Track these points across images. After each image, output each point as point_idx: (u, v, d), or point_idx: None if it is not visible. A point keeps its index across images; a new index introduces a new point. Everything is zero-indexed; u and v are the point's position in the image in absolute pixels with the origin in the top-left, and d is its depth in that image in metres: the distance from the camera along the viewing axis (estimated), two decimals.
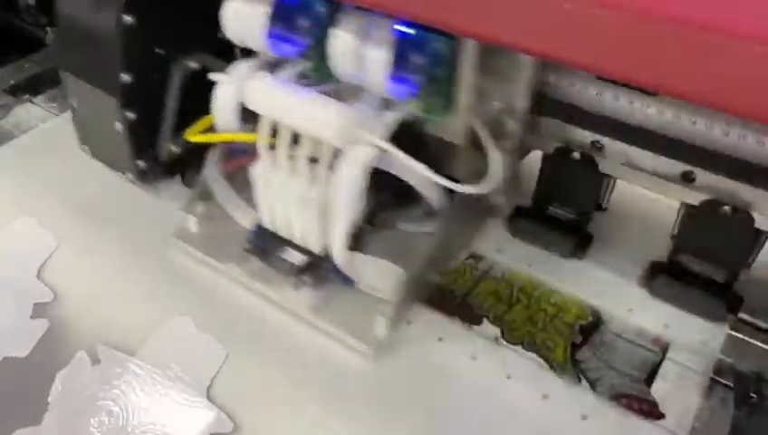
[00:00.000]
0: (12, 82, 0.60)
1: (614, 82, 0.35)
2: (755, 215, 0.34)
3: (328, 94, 0.34)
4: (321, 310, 0.36)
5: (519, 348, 0.35)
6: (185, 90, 0.42)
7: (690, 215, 0.37)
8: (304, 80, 0.36)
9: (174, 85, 0.42)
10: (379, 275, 0.37)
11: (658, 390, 0.33)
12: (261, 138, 0.35)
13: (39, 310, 0.38)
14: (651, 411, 0.32)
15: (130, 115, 0.42)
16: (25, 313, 0.37)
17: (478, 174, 0.36)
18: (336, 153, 0.33)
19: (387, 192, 0.38)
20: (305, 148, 0.34)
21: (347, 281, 0.37)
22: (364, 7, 0.32)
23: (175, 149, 0.44)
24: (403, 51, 0.32)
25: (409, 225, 0.41)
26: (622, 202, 0.42)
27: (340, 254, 0.35)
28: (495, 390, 0.34)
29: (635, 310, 0.38)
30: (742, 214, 0.34)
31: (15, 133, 0.54)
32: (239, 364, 0.35)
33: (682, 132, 0.34)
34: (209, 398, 0.33)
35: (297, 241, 0.37)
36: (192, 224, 0.42)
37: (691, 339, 0.36)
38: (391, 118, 0.34)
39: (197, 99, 0.37)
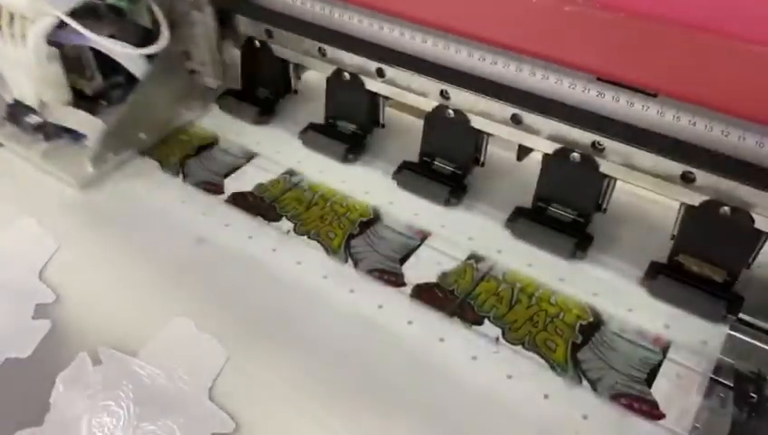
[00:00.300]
0: None
1: (614, 83, 0.35)
2: (755, 215, 0.34)
3: None
4: (50, 157, 0.49)
5: (520, 348, 0.36)
6: None
7: (690, 215, 0.37)
8: None
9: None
10: (83, 124, 0.48)
11: (659, 389, 0.33)
12: None
13: (40, 311, 0.38)
14: (651, 412, 0.32)
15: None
16: (27, 313, 0.38)
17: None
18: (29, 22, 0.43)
19: (120, 75, 0.50)
20: (6, 18, 0.43)
21: (75, 137, 0.49)
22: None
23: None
24: None
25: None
26: (622, 203, 0.42)
27: (34, 103, 0.47)
28: (496, 389, 0.34)
29: (635, 310, 0.38)
30: (741, 214, 0.34)
31: None
32: (241, 364, 0.35)
33: (682, 133, 0.35)
34: (211, 398, 0.33)
35: (24, 101, 0.48)
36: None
37: (691, 339, 0.36)
38: None
39: None
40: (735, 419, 0.32)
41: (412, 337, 0.37)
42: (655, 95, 0.34)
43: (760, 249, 0.36)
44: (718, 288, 0.37)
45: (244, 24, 0.51)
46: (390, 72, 0.45)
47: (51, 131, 0.49)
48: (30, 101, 0.48)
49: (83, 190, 0.47)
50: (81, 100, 0.50)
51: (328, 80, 0.49)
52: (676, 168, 0.36)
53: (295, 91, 0.54)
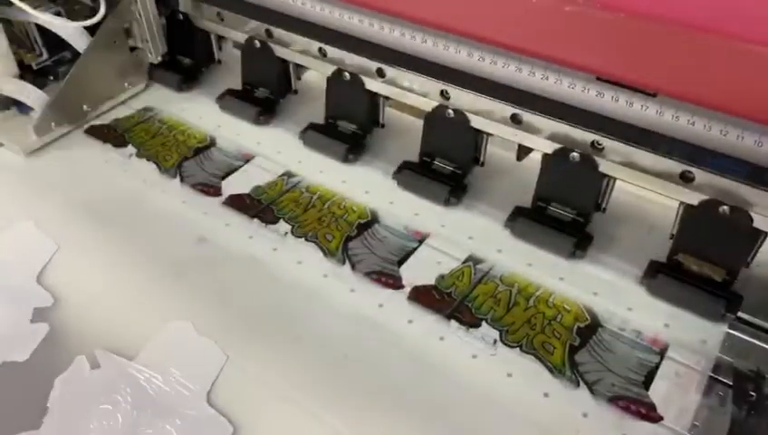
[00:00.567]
0: None
1: (613, 83, 0.35)
2: (754, 214, 0.34)
3: None
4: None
5: (517, 350, 0.36)
6: None
7: (689, 214, 0.37)
8: None
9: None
10: (24, 94, 0.50)
11: (658, 388, 0.33)
12: None
13: (39, 314, 0.38)
14: (649, 414, 0.32)
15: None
16: (25, 317, 0.37)
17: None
18: None
19: (67, 51, 0.53)
20: None
21: (23, 109, 0.52)
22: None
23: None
24: None
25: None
26: (621, 202, 0.42)
27: None
28: (496, 388, 0.34)
29: (634, 309, 0.38)
30: (740, 213, 0.35)
31: None
32: (240, 366, 0.35)
33: (680, 132, 0.35)
34: (209, 402, 0.33)
35: None
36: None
37: (690, 338, 0.36)
38: None
39: None
40: (735, 417, 0.32)
41: (412, 336, 0.37)
42: (654, 95, 0.34)
43: (759, 248, 0.36)
44: (717, 287, 0.37)
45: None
46: (390, 71, 0.45)
47: (1, 102, 0.51)
48: None
49: (28, 157, 0.50)
50: (29, 74, 0.53)
51: (328, 80, 0.49)
52: (676, 167, 0.36)
53: (295, 91, 0.54)
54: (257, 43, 0.51)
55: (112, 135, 0.53)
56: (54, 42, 0.52)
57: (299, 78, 0.54)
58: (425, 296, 0.39)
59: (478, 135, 0.44)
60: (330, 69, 0.48)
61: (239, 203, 0.46)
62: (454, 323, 0.37)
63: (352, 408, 0.33)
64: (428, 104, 0.44)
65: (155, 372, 0.34)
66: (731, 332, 0.36)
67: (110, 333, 0.37)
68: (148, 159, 0.50)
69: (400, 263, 0.41)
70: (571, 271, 0.40)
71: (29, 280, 0.40)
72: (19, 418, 0.32)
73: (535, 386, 0.34)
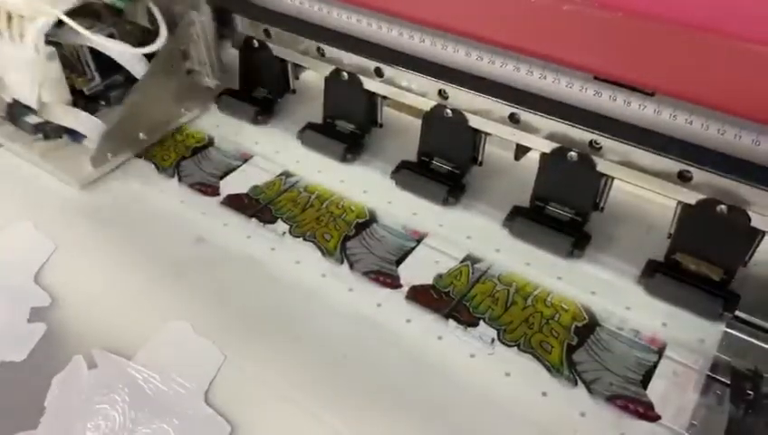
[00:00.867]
0: None
1: (611, 82, 0.35)
2: (751, 213, 0.34)
3: None
4: (49, 156, 0.48)
5: (515, 349, 0.36)
6: None
7: (687, 214, 0.37)
8: None
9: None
10: (83, 124, 0.48)
11: (656, 387, 0.33)
12: None
13: (36, 314, 0.38)
14: (647, 413, 0.32)
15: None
16: (22, 317, 0.37)
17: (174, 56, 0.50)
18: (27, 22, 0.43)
19: (118, 75, 0.51)
20: (3, 19, 0.43)
21: (75, 137, 0.49)
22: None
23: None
24: None
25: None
26: (619, 202, 0.43)
27: (34, 104, 0.47)
28: (494, 387, 0.34)
29: (632, 308, 0.38)
30: (738, 213, 0.35)
31: None
32: (238, 366, 0.35)
33: (678, 131, 0.35)
34: (207, 401, 0.33)
35: (23, 102, 0.48)
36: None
37: (688, 337, 0.36)
38: None
39: None
40: (732, 416, 0.32)
41: (411, 336, 0.37)
42: (652, 94, 0.34)
43: (756, 247, 0.36)
44: (715, 286, 0.37)
45: (243, 24, 0.51)
46: (389, 71, 0.45)
47: (50, 131, 0.49)
48: (29, 100, 0.48)
49: (82, 190, 0.47)
50: (81, 99, 0.50)
51: (326, 79, 0.49)
52: (673, 166, 0.36)
53: (293, 91, 0.54)
54: (255, 43, 0.51)
55: None
56: (107, 65, 0.49)
57: (297, 77, 0.54)
58: (423, 296, 0.39)
59: (476, 134, 0.44)
60: (328, 69, 0.48)
61: (237, 203, 0.46)
62: (452, 322, 0.37)
63: (351, 407, 0.33)
64: (427, 104, 0.44)
65: (153, 372, 0.34)
66: (729, 331, 0.36)
67: (107, 333, 0.37)
68: (145, 159, 0.50)
69: (398, 262, 0.41)
70: (569, 270, 0.40)
71: (27, 280, 0.40)
72: (16, 418, 0.32)
73: (533, 385, 0.34)
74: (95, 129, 0.48)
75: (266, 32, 0.50)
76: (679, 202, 0.37)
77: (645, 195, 0.40)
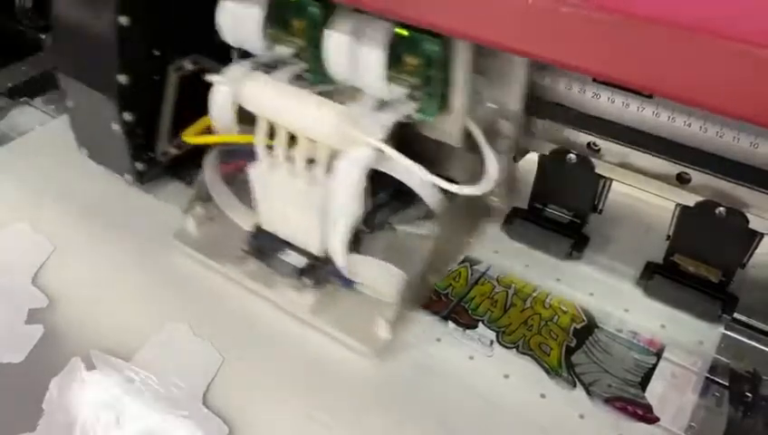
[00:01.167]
0: (9, 84, 0.60)
1: (610, 84, 0.35)
2: (750, 215, 0.34)
3: (324, 95, 0.34)
4: (321, 311, 0.37)
5: (514, 351, 0.36)
6: (181, 91, 0.42)
7: (685, 216, 0.37)
8: (300, 81, 0.36)
9: (170, 86, 0.42)
10: (379, 277, 0.37)
11: (654, 389, 0.33)
12: (258, 139, 0.35)
13: (34, 316, 0.38)
14: (645, 416, 0.32)
15: (128, 117, 0.42)
16: (20, 318, 0.37)
17: (475, 175, 0.36)
18: (333, 154, 0.33)
19: (383, 193, 0.39)
20: (302, 149, 0.34)
21: (347, 283, 0.37)
22: (359, 8, 0.32)
23: (173, 150, 0.45)
24: (397, 51, 0.32)
25: (406, 226, 0.41)
26: (618, 204, 0.43)
27: (339, 256, 0.36)
28: (493, 389, 0.34)
29: (631, 310, 0.38)
30: (736, 215, 0.35)
31: (12, 136, 0.53)
32: (236, 369, 0.35)
33: (677, 134, 0.35)
34: (205, 404, 0.33)
35: (297, 243, 0.38)
36: (191, 225, 0.42)
37: (687, 339, 0.36)
38: (387, 119, 0.33)
39: (195, 100, 0.37)
40: (731, 417, 0.32)
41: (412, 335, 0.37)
42: (650, 96, 0.34)
43: (755, 250, 0.36)
44: (713, 288, 0.37)
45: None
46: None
47: (321, 276, 0.37)
48: (314, 247, 0.37)
49: (376, 361, 0.35)
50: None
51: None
52: (672, 168, 0.36)
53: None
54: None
55: None
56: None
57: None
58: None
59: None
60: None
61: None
62: (451, 324, 0.37)
63: (348, 409, 0.33)
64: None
65: (151, 374, 0.34)
66: (727, 333, 0.36)
67: (105, 335, 0.36)
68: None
69: None
70: (568, 272, 0.40)
71: (24, 281, 0.40)
72: (14, 420, 0.32)
73: (532, 387, 0.34)
74: (395, 279, 0.36)
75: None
76: (678, 204, 0.37)
77: (643, 197, 0.40)
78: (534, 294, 0.39)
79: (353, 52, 0.33)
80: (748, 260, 0.37)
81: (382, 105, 0.34)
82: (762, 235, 0.35)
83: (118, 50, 0.40)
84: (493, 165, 0.35)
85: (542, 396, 0.33)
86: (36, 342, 0.36)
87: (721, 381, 0.34)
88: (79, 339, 0.36)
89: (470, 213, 0.42)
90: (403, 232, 0.41)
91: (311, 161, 0.34)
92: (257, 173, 0.37)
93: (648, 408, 0.33)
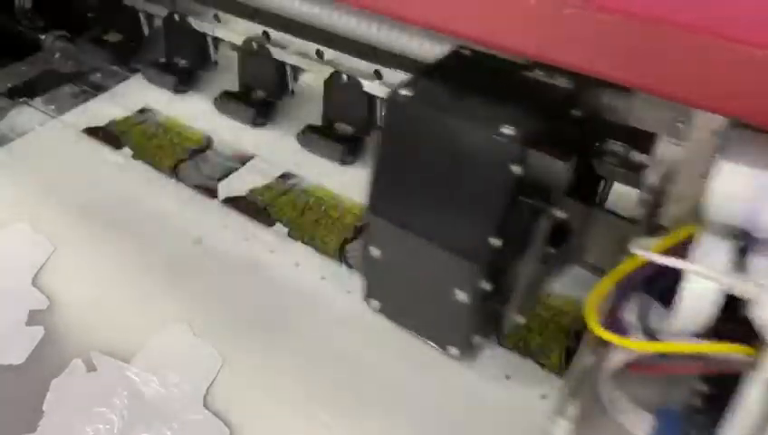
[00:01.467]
0: (9, 84, 0.60)
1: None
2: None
3: None
4: None
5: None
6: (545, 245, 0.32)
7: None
8: None
9: (537, 241, 0.31)
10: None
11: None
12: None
13: (34, 317, 0.38)
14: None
15: (485, 285, 0.31)
16: (21, 320, 0.37)
17: None
18: None
19: None
20: None
21: None
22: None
23: (520, 319, 0.34)
24: None
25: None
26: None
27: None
28: (495, 389, 0.34)
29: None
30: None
31: (11, 136, 0.53)
32: (237, 371, 0.35)
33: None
34: (206, 404, 0.33)
35: None
36: (563, 431, 0.30)
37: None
38: None
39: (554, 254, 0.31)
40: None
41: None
42: None
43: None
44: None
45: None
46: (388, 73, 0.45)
47: None
48: None
49: None
50: None
51: (325, 82, 0.48)
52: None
53: (292, 93, 0.54)
54: (254, 46, 0.51)
55: (108, 137, 0.52)
56: None
57: (296, 80, 0.54)
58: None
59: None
60: (327, 71, 0.48)
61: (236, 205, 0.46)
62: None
63: (349, 410, 0.33)
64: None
65: (151, 375, 0.34)
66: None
67: (106, 336, 0.36)
68: (144, 162, 0.50)
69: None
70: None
71: (25, 282, 0.40)
72: (14, 421, 0.32)
73: (532, 386, 0.34)
74: None
75: (266, 34, 0.50)
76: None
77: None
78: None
79: None
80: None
81: None
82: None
83: (504, 207, 0.29)
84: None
85: (545, 392, 0.34)
86: (37, 343, 0.36)
87: None
88: (79, 340, 0.36)
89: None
90: None
91: None
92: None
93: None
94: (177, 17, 0.56)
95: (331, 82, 0.48)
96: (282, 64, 0.51)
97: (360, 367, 0.35)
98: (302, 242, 0.43)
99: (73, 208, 0.46)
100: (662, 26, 0.30)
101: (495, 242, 0.30)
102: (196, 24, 0.55)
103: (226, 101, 0.54)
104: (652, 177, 0.32)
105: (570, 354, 0.35)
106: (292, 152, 0.50)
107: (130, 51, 0.62)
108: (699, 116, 0.29)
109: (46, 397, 0.33)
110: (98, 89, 0.59)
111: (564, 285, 0.39)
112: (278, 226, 0.44)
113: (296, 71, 0.52)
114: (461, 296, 0.32)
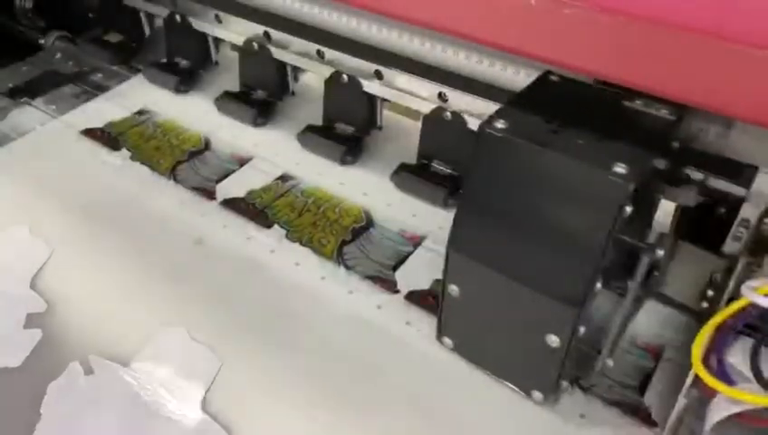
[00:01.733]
0: (10, 84, 0.60)
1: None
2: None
3: None
4: None
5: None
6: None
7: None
8: None
9: (636, 281, 0.30)
10: None
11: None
12: None
13: (32, 320, 0.37)
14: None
15: (581, 330, 0.30)
16: (18, 323, 0.37)
17: None
18: None
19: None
20: None
21: None
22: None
23: (610, 363, 0.33)
24: None
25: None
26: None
27: None
28: (495, 389, 0.34)
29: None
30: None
31: (12, 136, 0.53)
32: (235, 374, 0.35)
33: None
34: (204, 408, 0.33)
35: None
36: None
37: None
38: None
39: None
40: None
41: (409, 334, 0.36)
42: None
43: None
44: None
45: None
46: (388, 74, 0.44)
47: None
48: None
49: None
50: None
51: (326, 82, 0.48)
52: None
53: (293, 93, 0.53)
54: (255, 46, 0.51)
55: (106, 138, 0.52)
56: None
57: (296, 80, 0.53)
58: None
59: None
60: (327, 71, 0.48)
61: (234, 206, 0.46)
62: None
63: (349, 412, 0.33)
64: (427, 106, 0.44)
65: (149, 378, 0.34)
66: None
67: (103, 339, 0.36)
68: (142, 163, 0.50)
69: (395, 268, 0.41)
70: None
71: (22, 285, 0.39)
72: (12, 424, 0.32)
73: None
74: None
75: (266, 34, 0.50)
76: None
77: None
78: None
79: None
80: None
81: None
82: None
83: (610, 248, 0.28)
84: None
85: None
86: (34, 346, 0.36)
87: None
88: (77, 343, 0.36)
89: None
90: None
91: None
92: None
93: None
94: (178, 17, 0.56)
95: (332, 83, 0.48)
96: (282, 64, 0.51)
97: (359, 367, 0.35)
98: (301, 244, 0.43)
99: (73, 209, 0.46)
100: (662, 26, 0.29)
101: (597, 285, 0.28)
102: (196, 24, 0.55)
103: (227, 102, 0.54)
104: (748, 210, 0.31)
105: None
106: (293, 152, 0.50)
107: (131, 51, 0.62)
108: None
109: (43, 400, 0.33)
110: (99, 89, 0.59)
111: (650, 323, 0.36)
112: (276, 228, 0.44)
113: (297, 71, 0.52)
114: (553, 340, 0.30)
